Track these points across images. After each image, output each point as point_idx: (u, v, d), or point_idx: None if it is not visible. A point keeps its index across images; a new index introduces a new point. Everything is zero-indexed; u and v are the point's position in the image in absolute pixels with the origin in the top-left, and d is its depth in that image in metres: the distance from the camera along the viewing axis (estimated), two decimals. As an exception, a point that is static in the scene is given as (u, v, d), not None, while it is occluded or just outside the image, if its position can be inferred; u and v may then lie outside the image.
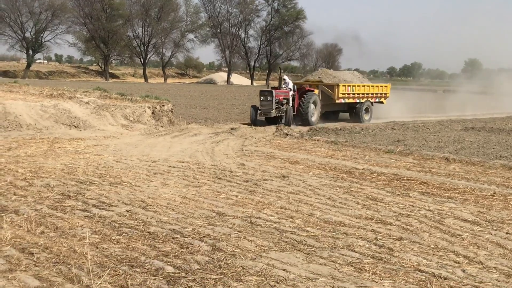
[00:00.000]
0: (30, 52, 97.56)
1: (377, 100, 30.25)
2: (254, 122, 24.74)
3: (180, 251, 6.32)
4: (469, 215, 8.41)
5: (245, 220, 7.70)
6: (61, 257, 5.94)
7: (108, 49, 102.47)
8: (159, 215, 7.79)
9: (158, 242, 6.61)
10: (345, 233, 7.24)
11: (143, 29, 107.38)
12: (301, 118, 25.59)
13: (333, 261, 6.20)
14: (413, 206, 8.95)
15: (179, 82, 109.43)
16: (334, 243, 6.81)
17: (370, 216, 8.18)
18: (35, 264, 5.76)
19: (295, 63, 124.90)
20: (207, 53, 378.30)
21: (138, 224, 7.31)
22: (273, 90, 24.94)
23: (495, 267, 6.21)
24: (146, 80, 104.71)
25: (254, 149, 15.20)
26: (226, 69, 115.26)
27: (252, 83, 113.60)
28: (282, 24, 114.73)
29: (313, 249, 6.59)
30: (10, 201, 8.25)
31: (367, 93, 29.30)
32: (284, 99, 25.03)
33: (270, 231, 7.24)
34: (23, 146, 13.62)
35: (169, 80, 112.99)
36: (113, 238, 6.67)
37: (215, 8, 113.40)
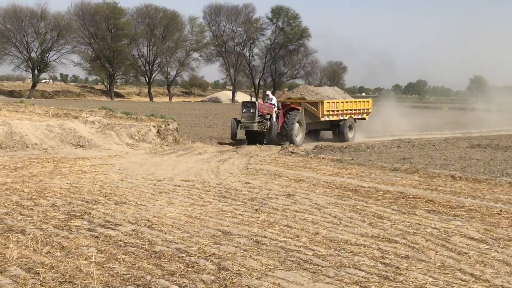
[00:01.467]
0: (36, 72, 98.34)
1: (359, 116, 29.02)
2: (234, 137, 23.31)
3: (185, 270, 6.31)
4: (475, 233, 8.37)
5: (251, 239, 7.69)
6: (67, 277, 5.94)
7: (113, 69, 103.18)
8: (164, 234, 7.78)
9: (164, 261, 6.60)
10: (351, 252, 7.22)
11: (148, 48, 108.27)
12: (285, 137, 23.60)
13: (339, 280, 6.18)
14: (419, 224, 8.92)
15: (184, 101, 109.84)
16: (340, 262, 6.79)
17: (376, 235, 8.15)
18: (41, 284, 5.76)
19: (300, 81, 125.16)
20: (211, 71, 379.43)
21: (143, 243, 7.30)
22: (257, 102, 23.56)
23: (501, 285, 6.17)
24: (151, 99, 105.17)
25: (259, 168, 15.21)
26: (231, 88, 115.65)
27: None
28: (287, 42, 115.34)
29: (319, 268, 6.57)
30: (16, 220, 8.26)
31: (351, 110, 28.08)
32: (267, 113, 23.52)
33: (276, 250, 7.22)
34: (29, 166, 13.67)
35: (174, 99, 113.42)
36: (119, 257, 6.67)
37: (219, 27, 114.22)
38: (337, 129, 27.54)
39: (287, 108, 24.94)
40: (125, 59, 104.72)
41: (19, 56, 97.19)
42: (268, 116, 23.46)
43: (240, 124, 23.23)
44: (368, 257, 7.00)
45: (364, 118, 29.51)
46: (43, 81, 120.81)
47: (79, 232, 7.76)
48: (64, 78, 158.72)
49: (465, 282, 6.25)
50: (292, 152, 19.46)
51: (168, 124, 21.94)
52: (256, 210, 9.66)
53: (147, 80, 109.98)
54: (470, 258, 7.15)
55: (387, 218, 9.27)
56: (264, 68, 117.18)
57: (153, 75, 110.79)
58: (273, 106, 24.11)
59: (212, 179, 13.01)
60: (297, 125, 24.17)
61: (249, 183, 12.54)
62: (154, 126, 21.17)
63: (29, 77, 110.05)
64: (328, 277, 6.27)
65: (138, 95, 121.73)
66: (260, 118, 23.05)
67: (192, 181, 12.56)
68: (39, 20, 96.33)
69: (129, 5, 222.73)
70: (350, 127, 27.98)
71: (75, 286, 5.72)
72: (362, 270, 6.51)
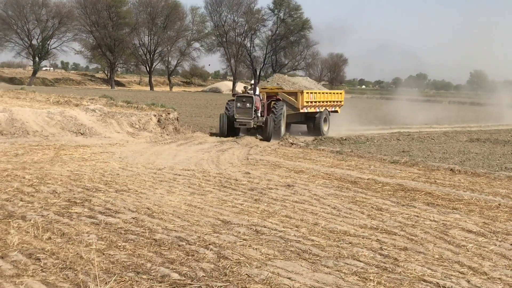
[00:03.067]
0: (37, 59, 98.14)
1: (333, 109, 27.54)
2: (224, 134, 21.28)
3: (185, 258, 6.35)
4: (474, 226, 8.42)
5: (250, 229, 7.73)
6: (68, 263, 5.98)
7: (114, 57, 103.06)
8: (164, 223, 7.82)
9: (164, 249, 6.65)
10: (350, 243, 7.26)
11: (149, 38, 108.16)
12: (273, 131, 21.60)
13: (338, 270, 6.22)
14: (418, 216, 8.96)
15: (184, 91, 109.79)
16: (339, 253, 6.83)
17: (375, 226, 8.20)
18: (42, 269, 5.80)
19: (300, 73, 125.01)
20: (212, 61, 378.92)
21: (144, 231, 7.34)
22: (254, 96, 21.38)
23: (499, 278, 6.22)
24: (151, 88, 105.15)
25: (259, 158, 15.24)
26: (232, 78, 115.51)
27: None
28: (288, 33, 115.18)
29: (318, 258, 6.61)
30: (17, 207, 8.30)
31: (327, 101, 26.60)
32: (259, 107, 21.80)
33: (275, 239, 7.26)
34: (30, 153, 13.69)
35: (175, 89, 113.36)
36: (119, 244, 6.71)
37: (221, 17, 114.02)
38: (313, 122, 25.98)
39: (271, 99, 23.13)
40: (126, 47, 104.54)
41: (20, 43, 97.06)
42: (259, 111, 21.92)
43: (234, 121, 21.40)
44: (367, 248, 7.05)
45: (336, 111, 28.17)
46: (44, 68, 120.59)
47: (79, 219, 7.80)
48: (64, 66, 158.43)
49: (463, 274, 6.30)
50: (292, 143, 19.49)
51: (169, 114, 21.96)
52: (256, 200, 9.70)
53: (148, 69, 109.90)
54: (468, 251, 7.19)
55: (386, 210, 9.32)
56: (265, 59, 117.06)
57: (154, 64, 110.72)
58: (260, 97, 22.52)
59: (212, 169, 13.04)
60: (282, 118, 22.45)
61: (249, 173, 12.58)
62: (154, 115, 21.20)
63: (30, 64, 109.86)
64: (327, 267, 6.31)
65: (139, 84, 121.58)
66: (254, 114, 21.35)
67: (192, 171, 12.60)
68: (41, 7, 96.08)
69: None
70: (325, 120, 26.49)
71: (75, 272, 5.76)
72: (360, 261, 6.55)
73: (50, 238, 6.84)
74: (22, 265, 5.87)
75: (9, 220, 7.53)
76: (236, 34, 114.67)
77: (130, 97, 34.86)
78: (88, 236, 6.98)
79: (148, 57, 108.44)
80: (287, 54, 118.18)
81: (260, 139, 20.85)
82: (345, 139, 22.19)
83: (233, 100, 21.96)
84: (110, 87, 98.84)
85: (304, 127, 26.87)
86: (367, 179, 12.30)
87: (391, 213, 9.14)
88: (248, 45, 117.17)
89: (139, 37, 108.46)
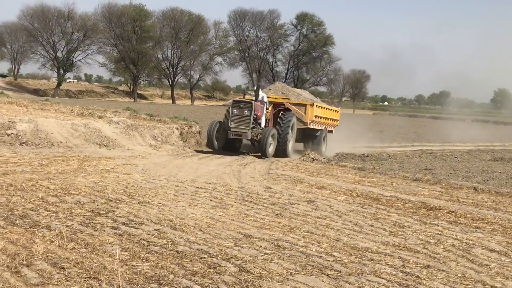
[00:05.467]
0: (61, 71, 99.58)
1: (330, 128, 24.92)
2: (213, 145, 18.42)
3: (207, 271, 6.38)
4: (497, 246, 8.35)
5: (272, 243, 7.74)
6: (91, 273, 6.04)
7: (137, 70, 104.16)
8: (187, 235, 7.87)
9: (186, 261, 6.69)
10: (372, 259, 7.24)
11: (173, 51, 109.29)
12: (276, 147, 18.95)
13: (359, 287, 6.21)
14: (440, 234, 8.91)
15: (206, 104, 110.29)
16: (361, 269, 6.82)
17: (397, 243, 8.16)
18: (67, 278, 5.87)
19: (322, 89, 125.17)
20: (234, 76, 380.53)
21: (166, 243, 7.39)
22: (253, 102, 18.53)
23: (523, 299, 6.16)
24: (173, 101, 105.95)
25: (281, 173, 15.25)
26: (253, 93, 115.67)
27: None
28: (310, 49, 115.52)
29: (339, 274, 6.60)
30: (42, 216, 8.40)
31: (329, 118, 24.12)
32: (261, 116, 19.02)
33: (297, 254, 7.27)
34: (54, 163, 13.86)
35: (196, 102, 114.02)
36: (142, 256, 6.77)
37: (244, 32, 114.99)
38: (313, 140, 23.01)
39: (279, 108, 20.00)
40: (149, 61, 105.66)
41: (45, 55, 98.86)
42: (261, 121, 19.11)
43: (229, 131, 18.50)
44: (389, 265, 7.02)
45: (331, 131, 25.28)
46: (68, 80, 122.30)
47: (103, 230, 7.87)
48: (88, 78, 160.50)
49: (486, 293, 6.25)
50: (314, 159, 19.46)
51: (191, 127, 22.10)
52: (277, 214, 9.72)
53: (170, 83, 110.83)
54: (491, 270, 7.13)
55: (408, 228, 9.27)
56: (287, 74, 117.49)
57: (177, 78, 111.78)
58: (264, 106, 19.71)
59: (234, 183, 13.09)
60: (290, 132, 19.44)
61: (271, 188, 12.60)
62: (177, 128, 21.33)
63: (54, 76, 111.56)
64: (349, 283, 6.30)
65: (161, 97, 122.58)
66: (253, 123, 18.57)
67: (214, 184, 12.65)
68: (66, 20, 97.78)
69: (155, 7, 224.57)
70: (324, 139, 23.73)
71: (99, 282, 5.82)
72: (382, 278, 6.53)
73: (74, 248, 6.91)
74: (47, 274, 5.95)
75: (34, 229, 7.63)
76: (258, 49, 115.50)
77: (152, 110, 35.16)
78: (112, 246, 7.05)
79: (170, 71, 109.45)
80: (309, 69, 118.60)
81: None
82: (367, 156, 22.10)
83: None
84: (133, 100, 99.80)
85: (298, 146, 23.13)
86: (389, 196, 12.25)
87: (414, 230, 9.10)
88: (270, 60, 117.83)
89: (163, 50, 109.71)
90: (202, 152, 19.63)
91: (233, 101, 19.08)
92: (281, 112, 19.84)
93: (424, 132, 48.25)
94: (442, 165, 19.96)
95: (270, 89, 25.59)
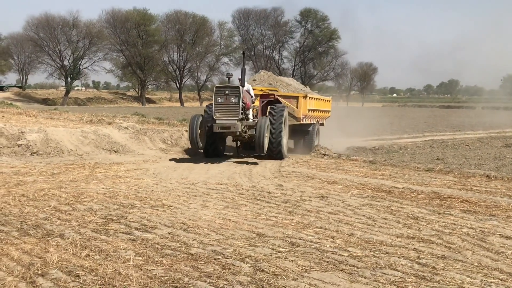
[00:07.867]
0: (69, 79, 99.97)
1: (322, 120, 22.87)
2: (196, 145, 15.81)
3: (222, 272, 6.37)
4: (513, 233, 8.28)
5: (286, 241, 7.72)
6: (106, 279, 6.05)
7: (144, 75, 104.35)
8: (200, 237, 7.86)
9: (201, 263, 6.68)
10: (386, 253, 7.20)
11: (178, 54, 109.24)
12: (269, 147, 16.65)
13: (375, 281, 6.17)
14: (455, 224, 8.85)
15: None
16: (376, 263, 6.78)
17: (411, 235, 8.11)
18: (82, 286, 5.88)
19: (329, 83, 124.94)
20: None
21: (180, 246, 7.39)
22: (240, 87, 15.59)
23: (542, 285, 6.10)
24: (182, 104, 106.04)
25: (292, 170, 15.21)
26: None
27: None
28: (316, 44, 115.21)
29: (355, 268, 6.57)
30: (55, 225, 8.43)
31: (322, 110, 21.96)
32: (250, 106, 16.57)
33: (311, 251, 7.24)
34: (65, 172, 13.91)
35: (205, 103, 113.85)
36: (157, 260, 6.77)
37: (248, 31, 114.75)
38: (304, 136, 20.66)
39: (268, 100, 17.49)
40: (155, 65, 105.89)
41: (52, 64, 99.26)
42: (249, 112, 16.62)
43: (214, 124, 15.46)
44: (404, 258, 6.98)
45: (322, 124, 23.10)
46: (76, 88, 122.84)
47: (116, 236, 7.88)
48: (96, 85, 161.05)
49: (503, 281, 6.20)
50: (324, 154, 19.39)
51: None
52: (289, 212, 9.69)
53: (178, 86, 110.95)
54: (507, 258, 7.07)
55: (422, 219, 9.22)
56: (294, 70, 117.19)
57: (184, 80, 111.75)
58: (251, 97, 17.28)
59: (245, 182, 13.07)
60: (283, 127, 16.89)
61: (282, 186, 12.57)
62: (186, 131, 21.35)
63: (62, 85, 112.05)
64: (365, 277, 6.27)
65: (169, 100, 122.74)
66: (242, 113, 15.69)
67: (225, 184, 12.64)
68: (71, 29, 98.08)
69: (159, 11, 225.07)
70: (317, 134, 21.45)
71: (114, 288, 5.83)
72: (398, 271, 6.49)
73: (88, 255, 6.92)
74: (62, 282, 5.96)
75: (48, 238, 7.65)
76: (264, 47, 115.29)
77: (161, 114, 35.26)
78: (126, 252, 7.06)
79: (177, 74, 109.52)
80: (316, 65, 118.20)
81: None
82: (378, 148, 22.02)
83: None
84: (141, 105, 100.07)
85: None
86: (402, 188, 12.19)
87: (428, 221, 9.04)
88: (277, 57, 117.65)
89: (169, 54, 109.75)
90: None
91: (216, 87, 15.68)
92: (270, 105, 17.33)
93: (435, 122, 48.05)
94: (453, 154, 19.86)
95: (255, 80, 22.49)
